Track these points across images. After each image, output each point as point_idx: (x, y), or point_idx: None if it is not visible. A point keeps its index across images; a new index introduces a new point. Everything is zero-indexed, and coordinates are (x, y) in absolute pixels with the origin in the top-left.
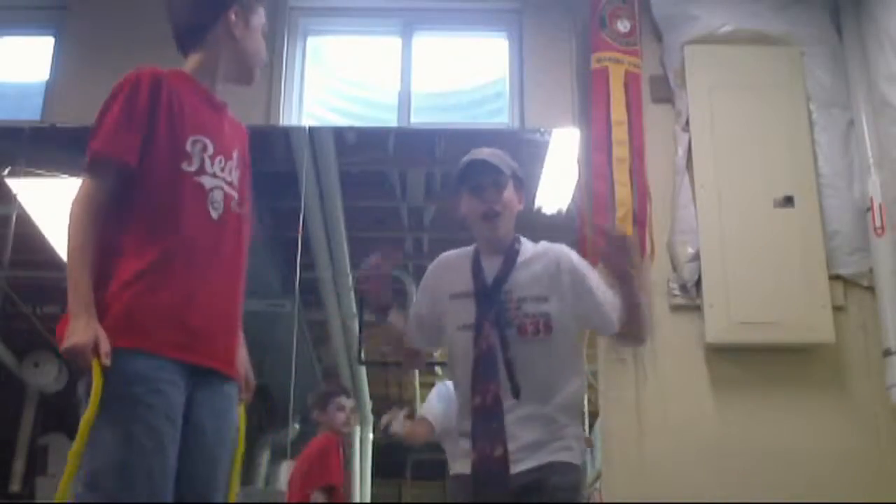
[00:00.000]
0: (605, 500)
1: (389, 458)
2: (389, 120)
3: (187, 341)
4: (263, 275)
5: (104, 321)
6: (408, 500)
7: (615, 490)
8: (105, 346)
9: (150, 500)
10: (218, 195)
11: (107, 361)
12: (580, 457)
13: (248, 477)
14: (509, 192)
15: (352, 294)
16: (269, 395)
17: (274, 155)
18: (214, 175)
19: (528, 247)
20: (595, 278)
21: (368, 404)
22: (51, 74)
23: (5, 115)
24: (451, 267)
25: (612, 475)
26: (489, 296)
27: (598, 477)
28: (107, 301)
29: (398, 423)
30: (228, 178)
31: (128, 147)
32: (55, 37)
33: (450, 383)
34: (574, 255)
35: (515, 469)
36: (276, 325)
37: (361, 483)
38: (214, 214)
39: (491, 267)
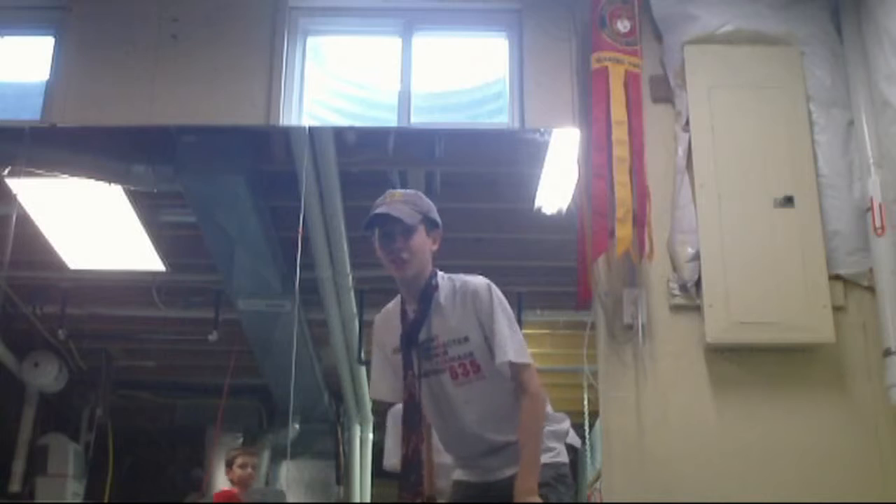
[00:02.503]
0: (605, 500)
1: None
2: (389, 120)
3: None
4: (263, 275)
5: None
6: None
7: (615, 490)
8: None
9: None
10: None
11: None
12: (562, 453)
13: None
14: (419, 237)
15: (352, 294)
16: (269, 395)
17: (274, 155)
18: None
19: (445, 285)
20: (499, 316)
21: (368, 404)
22: (51, 74)
23: (5, 115)
24: (387, 323)
25: (612, 475)
26: (409, 344)
27: (598, 477)
28: None
29: None
30: None
31: None
32: (55, 37)
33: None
34: (483, 293)
35: (501, 476)
36: (276, 325)
37: (361, 483)
38: None
39: (412, 313)
